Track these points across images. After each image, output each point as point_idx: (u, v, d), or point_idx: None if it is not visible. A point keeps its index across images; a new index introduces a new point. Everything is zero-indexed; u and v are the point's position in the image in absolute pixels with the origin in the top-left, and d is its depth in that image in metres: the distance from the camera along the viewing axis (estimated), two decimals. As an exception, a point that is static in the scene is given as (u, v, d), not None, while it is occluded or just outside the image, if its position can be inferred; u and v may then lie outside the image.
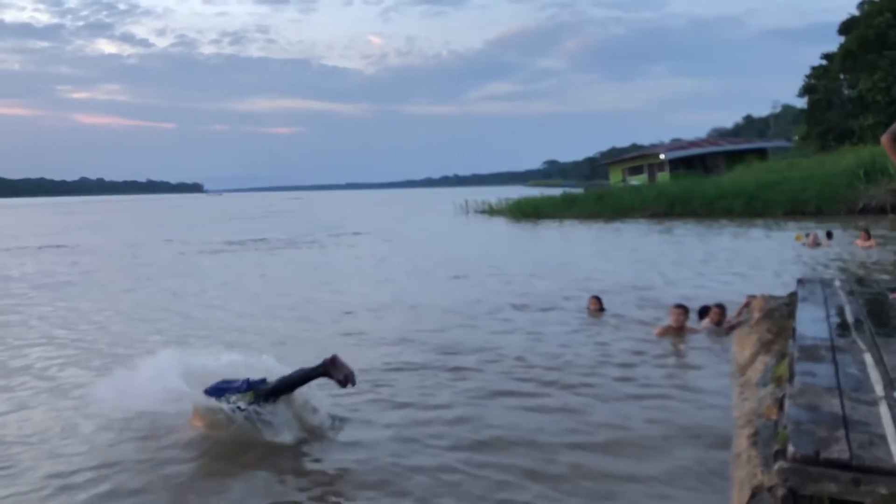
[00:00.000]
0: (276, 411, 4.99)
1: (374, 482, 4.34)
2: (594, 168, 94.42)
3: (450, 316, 9.61)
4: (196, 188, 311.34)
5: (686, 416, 5.30)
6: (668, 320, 8.06)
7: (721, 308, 8.20)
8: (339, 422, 5.33)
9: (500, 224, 31.06)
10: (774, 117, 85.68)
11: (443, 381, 6.44)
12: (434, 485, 4.27)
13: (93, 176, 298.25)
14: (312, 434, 5.10)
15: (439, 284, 12.97)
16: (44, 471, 4.67)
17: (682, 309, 8.03)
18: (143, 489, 4.36)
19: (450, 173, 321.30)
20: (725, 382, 6.17)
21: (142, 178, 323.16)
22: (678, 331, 7.87)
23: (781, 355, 5.61)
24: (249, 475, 4.57)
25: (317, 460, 4.77)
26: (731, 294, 10.09)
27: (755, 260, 14.47)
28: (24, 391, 6.65)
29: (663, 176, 46.00)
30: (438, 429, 5.24)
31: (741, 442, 4.47)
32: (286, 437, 4.94)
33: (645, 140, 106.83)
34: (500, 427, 5.16)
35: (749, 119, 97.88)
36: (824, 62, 41.83)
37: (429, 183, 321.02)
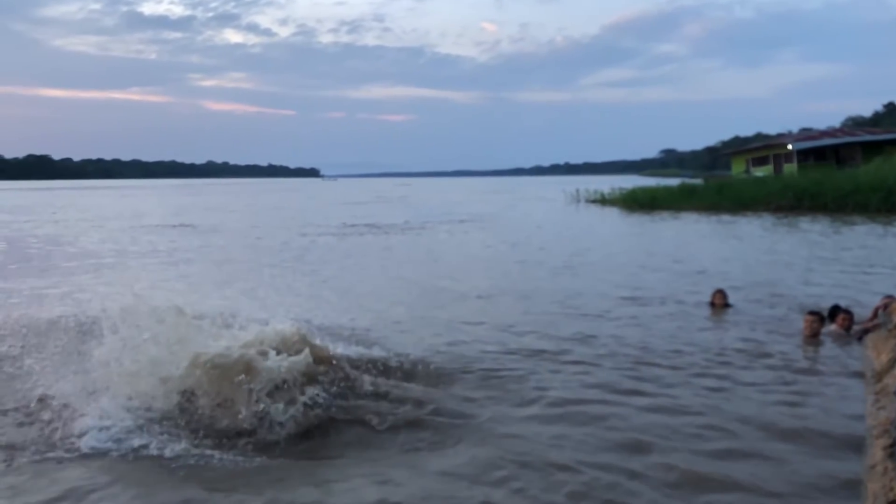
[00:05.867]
0: None
1: (483, 476, 4.28)
2: (714, 158, 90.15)
3: (562, 307, 9.52)
4: (313, 173, 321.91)
5: (815, 425, 5.02)
6: (801, 325, 7.65)
7: (849, 315, 7.73)
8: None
9: (613, 214, 30.37)
10: (921, 105, 78.53)
11: (558, 376, 6.30)
12: (546, 483, 4.17)
13: (218, 160, 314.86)
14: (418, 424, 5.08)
15: (551, 274, 12.89)
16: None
17: (816, 316, 7.62)
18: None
19: (560, 161, 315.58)
20: (857, 389, 5.81)
21: (263, 163, 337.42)
22: (811, 337, 7.47)
23: (925, 363, 5.23)
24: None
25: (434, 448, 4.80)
26: (866, 294, 9.48)
27: (894, 259, 13.43)
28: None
29: (790, 167, 43.30)
30: (548, 416, 5.23)
31: (876, 453, 4.23)
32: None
33: (771, 129, 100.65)
34: (615, 427, 5.01)
35: (891, 107, 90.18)
36: (982, 44, 37.85)
37: (538, 171, 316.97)
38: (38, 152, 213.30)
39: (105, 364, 5.38)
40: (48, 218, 32.16)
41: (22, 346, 6.73)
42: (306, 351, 5.50)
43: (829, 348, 7.19)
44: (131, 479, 4.24)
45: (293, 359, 5.38)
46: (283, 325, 5.97)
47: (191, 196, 64.24)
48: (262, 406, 4.98)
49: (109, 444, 4.67)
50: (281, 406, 5.01)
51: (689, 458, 4.50)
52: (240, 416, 4.99)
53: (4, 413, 5.32)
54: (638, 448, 4.65)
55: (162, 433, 4.82)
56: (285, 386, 5.20)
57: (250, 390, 5.06)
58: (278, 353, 5.48)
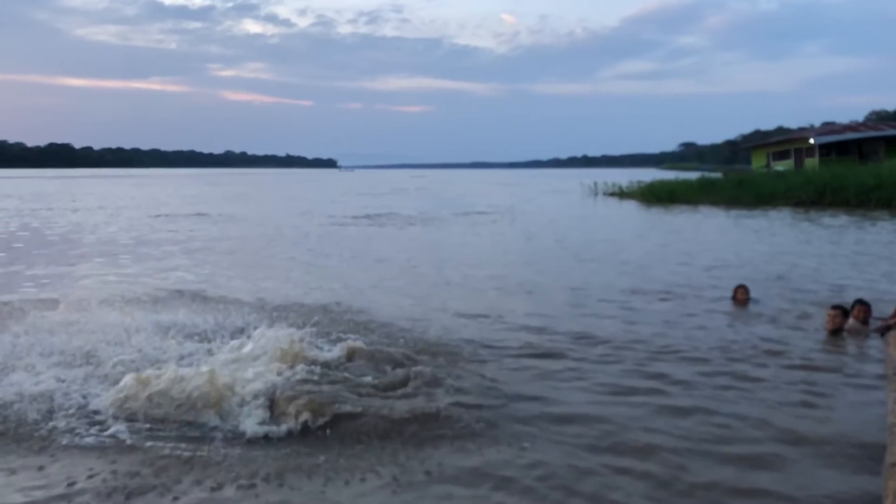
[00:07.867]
0: None
1: (491, 479, 4.19)
2: (735, 151, 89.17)
3: (579, 302, 9.44)
4: (330, 164, 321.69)
5: (835, 428, 4.94)
6: (824, 320, 7.55)
7: (866, 306, 7.61)
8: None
9: (631, 208, 30.15)
10: (947, 99, 77.00)
11: (574, 374, 6.20)
12: (562, 486, 4.09)
13: (237, 149, 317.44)
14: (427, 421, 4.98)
15: (567, 268, 12.80)
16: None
17: (839, 311, 7.50)
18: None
19: (578, 154, 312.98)
20: (879, 389, 5.71)
21: (281, 153, 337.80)
22: (833, 332, 7.36)
23: (949, 361, 5.13)
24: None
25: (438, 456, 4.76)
26: (889, 291, 9.32)
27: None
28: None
29: (812, 162, 42.78)
30: (562, 415, 5.18)
31: (897, 451, 4.14)
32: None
33: (793, 123, 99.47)
34: (629, 428, 4.93)
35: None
36: None
37: (556, 163, 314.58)
38: (59, 141, 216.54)
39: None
40: (68, 206, 32.51)
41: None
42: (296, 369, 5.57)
43: (850, 345, 7.09)
44: (131, 478, 4.16)
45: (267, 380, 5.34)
46: (279, 334, 6.06)
47: (209, 186, 64.59)
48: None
49: (96, 440, 4.63)
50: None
51: (702, 461, 4.41)
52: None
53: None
54: (651, 451, 4.56)
55: (157, 433, 4.79)
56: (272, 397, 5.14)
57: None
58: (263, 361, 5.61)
